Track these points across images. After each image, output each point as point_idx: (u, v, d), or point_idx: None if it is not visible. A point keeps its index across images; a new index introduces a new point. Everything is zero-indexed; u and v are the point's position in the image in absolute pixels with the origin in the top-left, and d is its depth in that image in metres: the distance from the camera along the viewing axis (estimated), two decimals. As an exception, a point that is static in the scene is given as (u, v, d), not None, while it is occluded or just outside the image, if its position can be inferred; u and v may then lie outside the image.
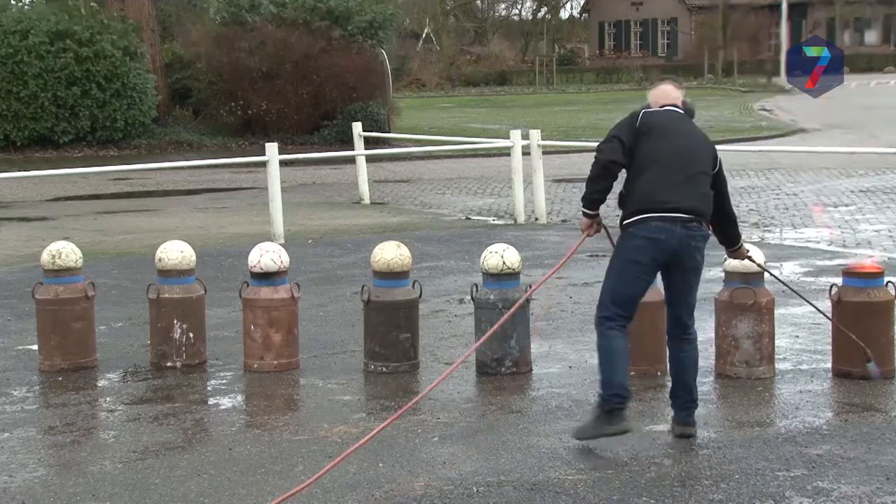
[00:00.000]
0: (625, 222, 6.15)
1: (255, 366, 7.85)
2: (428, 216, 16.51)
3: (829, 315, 7.50)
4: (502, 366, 7.60)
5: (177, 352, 7.97)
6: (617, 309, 6.14)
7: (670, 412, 6.40)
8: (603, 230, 6.50)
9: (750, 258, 7.02)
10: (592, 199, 6.27)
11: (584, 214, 6.39)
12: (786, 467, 5.77)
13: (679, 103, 6.36)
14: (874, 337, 7.27)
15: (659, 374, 7.48)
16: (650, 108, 6.30)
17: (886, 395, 7.03)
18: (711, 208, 6.25)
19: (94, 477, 5.89)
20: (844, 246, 12.77)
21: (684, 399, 6.35)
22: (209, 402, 7.34)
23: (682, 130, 6.25)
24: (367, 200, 17.98)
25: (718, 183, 6.32)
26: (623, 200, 6.22)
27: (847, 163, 20.86)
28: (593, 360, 7.82)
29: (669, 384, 6.47)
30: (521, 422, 6.68)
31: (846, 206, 16.09)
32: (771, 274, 7.55)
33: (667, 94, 6.37)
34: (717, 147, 6.48)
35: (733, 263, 7.33)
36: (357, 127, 18.50)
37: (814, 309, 7.75)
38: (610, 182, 6.17)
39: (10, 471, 6.00)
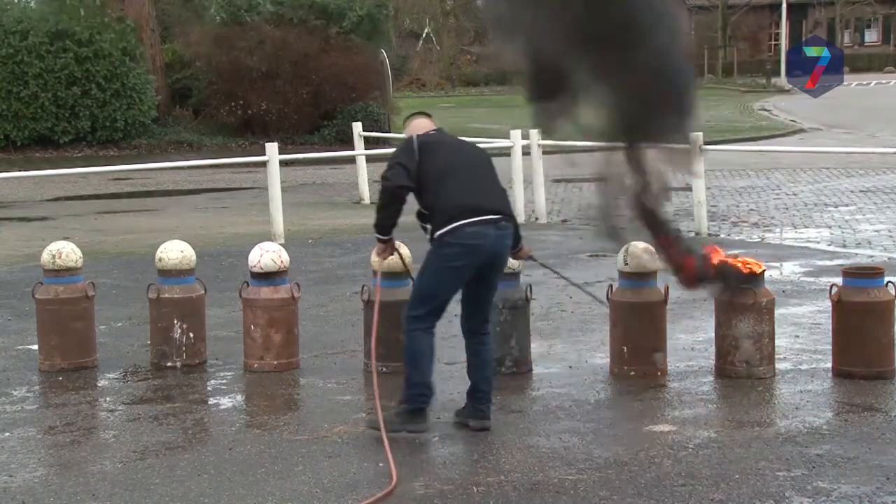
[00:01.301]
0: (437, 233, 6.34)
1: (255, 366, 7.85)
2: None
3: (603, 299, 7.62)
4: (502, 366, 7.60)
5: (177, 352, 7.97)
6: (428, 312, 6.40)
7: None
8: (396, 253, 6.85)
9: (532, 257, 7.14)
10: (386, 226, 6.57)
11: (379, 240, 6.67)
12: (786, 467, 5.77)
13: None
14: (875, 337, 7.27)
15: (659, 374, 7.48)
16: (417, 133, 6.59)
17: (886, 395, 7.03)
18: (510, 207, 6.59)
19: (94, 477, 5.89)
20: (844, 246, 12.77)
21: (485, 393, 6.54)
22: (209, 402, 7.34)
23: (458, 144, 6.72)
24: (367, 200, 17.97)
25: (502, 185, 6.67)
26: (427, 216, 6.45)
27: (847, 163, 20.86)
28: (593, 359, 7.84)
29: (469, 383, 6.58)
30: (521, 422, 6.68)
31: (846, 206, 16.09)
32: (553, 271, 7.67)
33: (423, 124, 6.68)
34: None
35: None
36: (357, 127, 18.51)
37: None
38: (400, 206, 6.45)
39: (10, 471, 6.00)
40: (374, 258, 7.23)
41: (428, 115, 6.81)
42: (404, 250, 7.33)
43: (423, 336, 6.40)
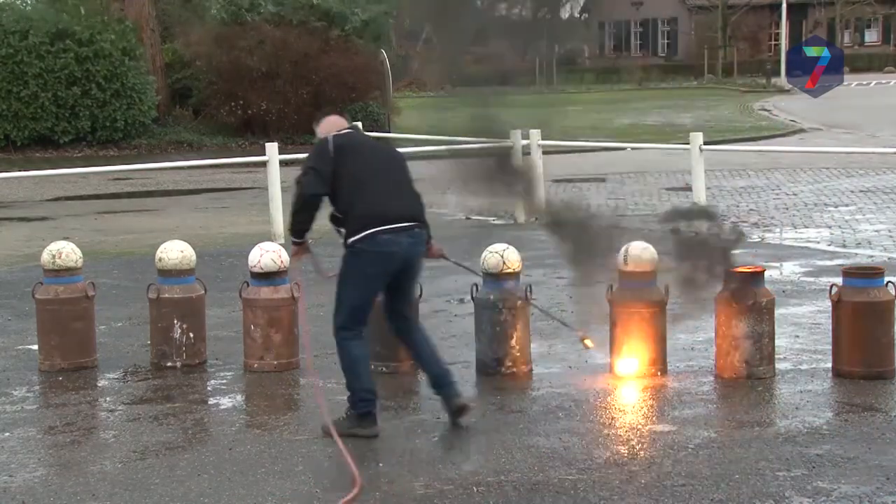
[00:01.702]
0: (351, 240, 6.36)
1: (255, 366, 7.85)
2: (428, 216, 16.50)
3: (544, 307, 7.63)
4: (502, 366, 7.60)
5: (177, 352, 7.97)
6: (353, 320, 6.45)
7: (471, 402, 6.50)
8: (309, 255, 6.80)
9: (444, 256, 7.15)
10: (300, 230, 6.58)
11: (294, 243, 6.67)
12: (786, 467, 5.77)
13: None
14: (875, 337, 7.27)
15: (658, 374, 7.47)
16: (332, 133, 6.54)
17: (886, 395, 7.02)
18: (424, 208, 6.60)
19: (94, 477, 5.89)
20: (844, 246, 12.77)
21: (447, 377, 6.58)
22: (209, 402, 7.34)
23: (374, 146, 6.70)
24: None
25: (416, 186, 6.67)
26: (341, 221, 6.46)
27: (847, 163, 20.85)
28: (593, 360, 7.84)
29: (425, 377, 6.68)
30: (521, 422, 6.68)
31: (846, 206, 16.08)
32: (462, 266, 7.65)
33: (337, 122, 6.66)
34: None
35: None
36: (357, 127, 18.50)
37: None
38: (314, 212, 6.47)
39: (10, 471, 6.00)
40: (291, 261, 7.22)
41: (341, 113, 6.78)
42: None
43: (354, 344, 6.45)
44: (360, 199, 6.34)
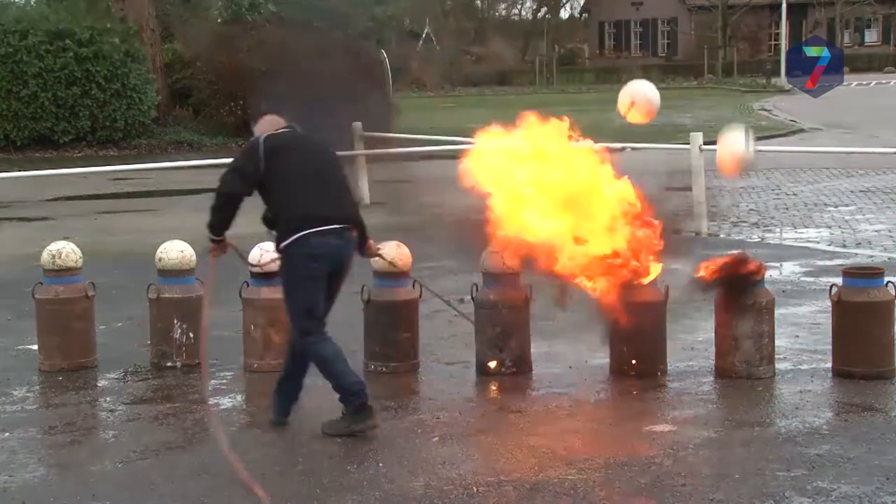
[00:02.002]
0: (283, 244, 6.36)
1: (255, 366, 7.84)
2: (428, 216, 16.48)
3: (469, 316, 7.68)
4: (503, 366, 7.59)
5: (177, 352, 7.97)
6: (312, 322, 6.41)
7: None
8: (231, 249, 6.81)
9: (381, 255, 7.20)
10: (218, 228, 6.60)
11: (212, 240, 6.67)
12: (786, 467, 5.77)
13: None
14: (875, 337, 7.27)
15: (659, 374, 7.47)
16: (265, 134, 6.49)
17: (886, 395, 7.03)
18: (357, 209, 6.60)
19: (94, 477, 5.89)
20: (844, 246, 12.76)
21: (359, 385, 6.44)
22: (209, 402, 7.33)
23: (309, 146, 6.57)
24: (367, 200, 17.95)
25: (349, 188, 6.67)
26: (273, 222, 6.46)
27: (847, 163, 20.84)
28: (593, 360, 7.83)
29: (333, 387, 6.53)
30: (521, 422, 6.68)
31: (846, 206, 16.08)
32: (411, 277, 7.71)
33: (274, 122, 6.62)
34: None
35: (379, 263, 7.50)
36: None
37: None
38: (233, 211, 6.48)
39: (10, 471, 6.00)
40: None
41: (278, 113, 6.75)
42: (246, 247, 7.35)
43: (321, 346, 6.42)
44: (289, 201, 6.35)
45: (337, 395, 6.46)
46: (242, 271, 7.91)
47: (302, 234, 6.28)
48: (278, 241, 6.39)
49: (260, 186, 6.39)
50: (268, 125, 6.55)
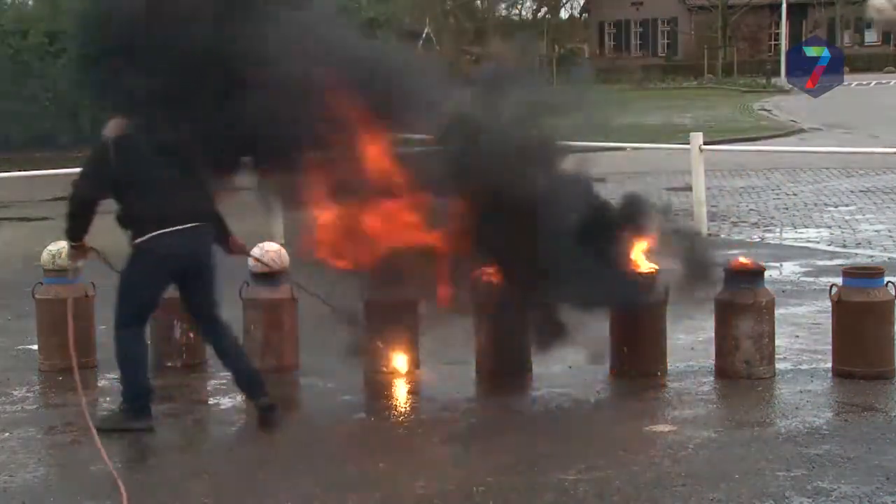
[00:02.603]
0: (137, 241, 6.42)
1: (255, 365, 7.83)
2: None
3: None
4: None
5: (177, 352, 7.96)
6: (135, 319, 6.56)
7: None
8: (94, 252, 6.85)
9: (245, 252, 7.23)
10: (75, 234, 6.65)
11: (72, 246, 6.74)
12: (786, 467, 5.77)
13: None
14: (875, 337, 7.27)
15: (659, 374, 7.47)
16: (113, 135, 6.49)
17: (886, 395, 7.02)
18: (214, 205, 6.63)
19: (94, 477, 5.88)
20: (844, 246, 12.77)
21: (253, 377, 6.62)
22: (209, 402, 7.34)
23: (157, 147, 6.51)
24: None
25: (207, 186, 6.65)
26: (126, 221, 6.50)
27: (847, 163, 20.85)
28: (594, 360, 7.82)
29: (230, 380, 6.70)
30: (521, 422, 6.68)
31: (846, 206, 16.08)
32: (261, 262, 7.74)
33: (122, 124, 6.56)
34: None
35: None
36: None
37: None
38: (90, 216, 6.54)
39: (10, 471, 6.00)
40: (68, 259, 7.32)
41: (127, 114, 6.68)
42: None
43: (133, 342, 6.55)
44: (142, 200, 6.38)
45: (242, 394, 6.64)
46: (243, 272, 7.91)
47: (154, 233, 6.35)
48: (132, 238, 6.46)
49: (114, 186, 6.42)
50: (115, 128, 6.53)
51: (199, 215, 6.48)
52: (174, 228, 6.34)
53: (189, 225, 6.39)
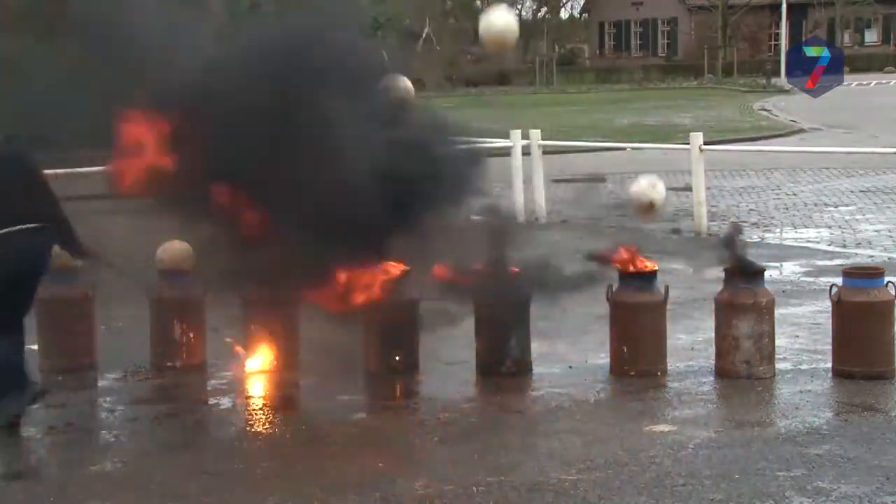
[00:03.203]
0: None
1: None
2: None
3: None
4: (502, 366, 7.59)
5: (177, 352, 7.96)
6: None
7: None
8: None
9: (95, 253, 7.26)
10: None
11: None
12: (786, 467, 5.77)
13: None
14: (875, 337, 7.27)
15: (659, 374, 7.47)
16: None
17: (886, 395, 7.03)
18: (53, 210, 6.80)
19: (94, 477, 5.89)
20: (844, 246, 12.77)
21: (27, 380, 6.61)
22: (209, 402, 7.34)
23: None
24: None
25: (46, 191, 6.90)
26: None
27: (847, 163, 20.85)
28: (594, 360, 7.84)
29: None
30: (521, 422, 6.68)
31: (846, 206, 16.08)
32: (108, 263, 7.74)
33: None
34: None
35: None
36: None
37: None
38: None
39: (11, 471, 6.00)
40: None
41: None
42: None
43: None
44: None
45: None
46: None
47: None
48: None
49: None
50: None
51: (34, 219, 6.61)
52: (6, 231, 6.46)
53: (19, 227, 6.52)
